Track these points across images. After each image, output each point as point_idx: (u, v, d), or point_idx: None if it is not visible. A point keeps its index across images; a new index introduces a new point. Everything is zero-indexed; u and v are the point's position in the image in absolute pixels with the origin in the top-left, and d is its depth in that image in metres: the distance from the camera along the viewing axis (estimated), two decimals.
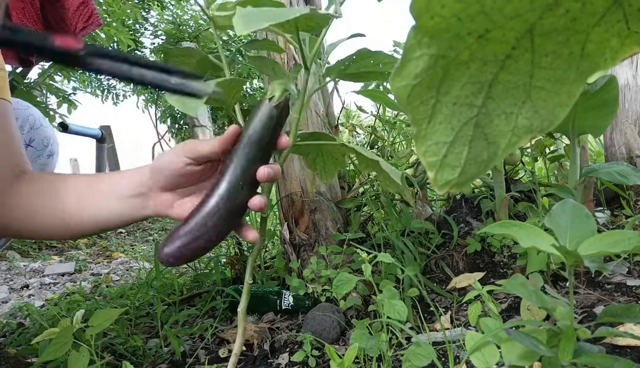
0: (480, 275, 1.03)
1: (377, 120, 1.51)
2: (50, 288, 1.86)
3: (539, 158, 1.24)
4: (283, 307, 1.04)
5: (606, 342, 0.67)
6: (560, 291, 0.90)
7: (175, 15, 4.16)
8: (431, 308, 0.91)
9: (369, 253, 0.76)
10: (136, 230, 3.59)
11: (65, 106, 2.84)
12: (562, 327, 0.47)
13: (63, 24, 1.51)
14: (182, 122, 4.87)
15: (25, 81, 2.41)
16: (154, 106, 4.85)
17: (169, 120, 4.80)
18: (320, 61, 0.73)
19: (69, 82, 3.03)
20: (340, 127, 1.47)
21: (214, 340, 0.97)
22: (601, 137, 1.58)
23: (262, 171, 0.54)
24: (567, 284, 0.91)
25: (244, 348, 0.91)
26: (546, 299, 0.51)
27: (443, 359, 0.74)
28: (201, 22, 4.14)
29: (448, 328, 0.85)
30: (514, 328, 0.52)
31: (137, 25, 4.09)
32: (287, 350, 0.89)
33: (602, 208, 1.23)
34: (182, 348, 0.91)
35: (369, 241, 1.13)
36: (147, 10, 3.92)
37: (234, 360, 0.60)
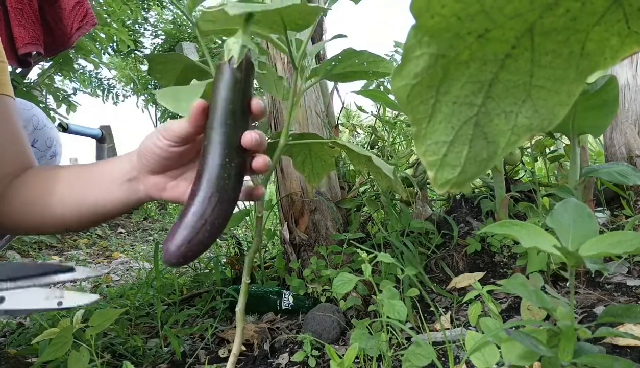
0: (480, 275, 1.03)
1: (377, 120, 1.51)
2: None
3: (539, 158, 1.24)
4: (283, 307, 1.04)
5: (606, 342, 0.67)
6: (560, 291, 0.90)
7: (175, 16, 4.16)
8: (431, 308, 0.91)
9: (369, 253, 0.76)
10: (136, 230, 3.60)
11: (65, 106, 2.84)
12: (562, 326, 0.47)
13: (61, 24, 1.51)
14: None
15: (25, 81, 2.41)
16: (154, 106, 4.86)
17: (168, 120, 4.81)
18: (306, 62, 0.73)
19: (70, 82, 3.03)
20: (341, 127, 1.47)
21: (214, 340, 0.97)
22: (601, 137, 1.58)
23: (248, 137, 0.50)
24: (567, 284, 0.91)
25: (244, 348, 0.91)
26: (546, 299, 0.51)
27: (443, 359, 0.74)
28: None
29: (448, 328, 0.85)
30: (514, 328, 0.52)
31: (137, 26, 4.10)
32: (287, 350, 0.89)
33: (602, 208, 1.23)
34: (182, 348, 0.91)
35: (369, 241, 1.13)
36: (146, 10, 3.92)
37: (233, 360, 0.60)
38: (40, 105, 2.54)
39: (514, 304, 0.90)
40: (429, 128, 0.23)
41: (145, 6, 3.88)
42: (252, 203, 1.47)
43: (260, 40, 1.02)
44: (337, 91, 1.46)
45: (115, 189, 0.60)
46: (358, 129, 1.71)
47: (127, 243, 2.98)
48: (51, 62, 2.49)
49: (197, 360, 0.90)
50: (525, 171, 1.33)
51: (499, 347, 0.52)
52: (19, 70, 2.18)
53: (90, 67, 3.17)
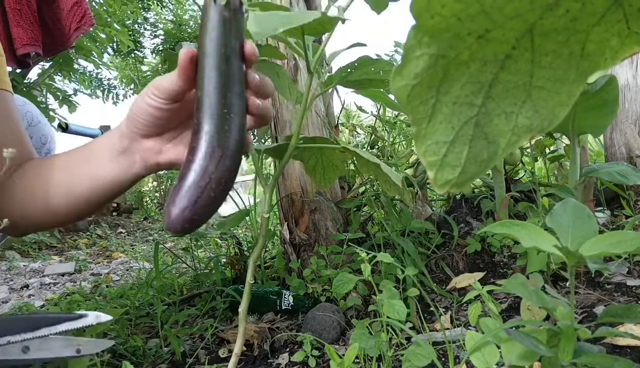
0: (480, 275, 1.03)
1: (377, 120, 1.51)
2: (50, 288, 1.86)
3: (539, 158, 1.24)
4: (283, 307, 1.04)
5: (606, 342, 0.67)
6: (560, 291, 0.90)
7: (175, 15, 4.17)
8: (431, 308, 0.91)
9: (368, 253, 0.76)
10: (136, 230, 3.60)
11: (65, 106, 2.84)
12: (562, 326, 0.47)
13: (59, 24, 1.51)
14: None
15: (25, 81, 2.41)
16: None
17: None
18: (321, 67, 0.73)
19: (69, 82, 3.03)
20: (340, 128, 1.47)
21: (214, 340, 0.97)
22: (601, 137, 1.58)
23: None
24: (567, 284, 0.91)
25: (244, 348, 0.91)
26: (546, 299, 0.51)
27: (443, 359, 0.74)
28: None
29: (448, 328, 0.85)
30: (514, 328, 0.52)
31: (137, 26, 4.10)
32: (287, 350, 0.89)
33: (602, 208, 1.23)
34: (182, 348, 0.91)
35: (369, 241, 1.14)
36: (146, 10, 3.92)
37: (234, 360, 0.60)
38: (41, 105, 2.54)
39: (514, 304, 0.90)
40: (429, 128, 0.23)
41: (145, 6, 3.88)
42: (252, 203, 1.47)
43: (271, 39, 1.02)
44: (337, 91, 1.46)
45: (108, 164, 0.57)
46: (358, 129, 1.71)
47: (127, 243, 2.99)
48: (51, 63, 2.49)
49: (197, 360, 0.90)
50: (525, 171, 1.33)
51: (499, 347, 0.53)
52: (18, 70, 2.18)
53: (90, 67, 3.17)
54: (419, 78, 0.22)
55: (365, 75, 0.69)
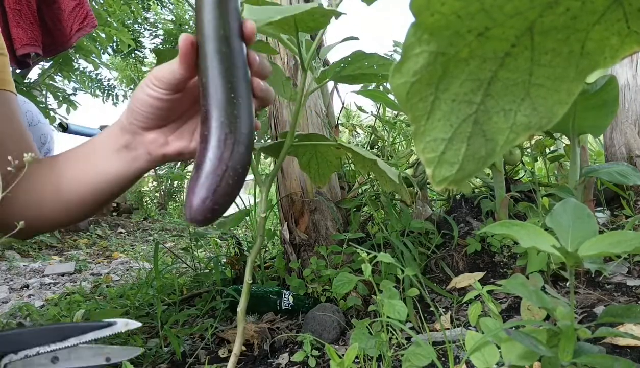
0: (480, 275, 1.03)
1: (377, 120, 1.51)
2: (50, 288, 1.86)
3: (539, 158, 1.24)
4: (283, 307, 1.04)
5: (606, 342, 0.67)
6: (560, 291, 0.90)
7: (175, 15, 4.17)
8: (431, 308, 0.91)
9: (369, 253, 0.76)
10: (136, 230, 3.60)
11: (64, 106, 2.84)
12: (562, 327, 0.47)
13: (60, 25, 1.51)
14: None
15: (25, 81, 2.41)
16: None
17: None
18: (315, 63, 0.73)
19: (69, 82, 3.03)
20: (340, 127, 1.47)
21: (214, 340, 0.97)
22: (601, 137, 1.58)
23: (257, 83, 0.45)
24: (567, 284, 0.91)
25: (244, 348, 0.91)
26: (546, 299, 0.51)
27: (443, 359, 0.74)
28: None
29: (448, 328, 0.85)
30: (514, 328, 0.52)
31: (137, 25, 4.10)
32: (287, 350, 0.89)
33: (602, 208, 1.22)
34: (182, 348, 0.91)
35: (369, 241, 1.13)
36: (146, 9, 3.92)
37: (233, 360, 0.60)
38: (41, 105, 2.55)
39: (514, 304, 0.90)
40: (427, 125, 0.23)
41: (146, 6, 3.88)
42: (252, 203, 1.47)
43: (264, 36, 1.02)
44: (337, 90, 1.46)
45: (111, 160, 0.55)
46: (358, 129, 1.71)
47: (127, 243, 2.99)
48: (51, 62, 2.49)
49: (197, 360, 0.90)
50: (525, 171, 1.33)
51: (499, 347, 0.52)
52: (18, 70, 2.18)
53: (90, 67, 3.17)
54: (418, 75, 0.22)
55: (358, 70, 0.69)
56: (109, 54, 4.15)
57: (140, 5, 3.53)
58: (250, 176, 0.61)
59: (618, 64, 1.34)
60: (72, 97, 2.86)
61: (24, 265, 2.22)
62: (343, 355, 0.61)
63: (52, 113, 2.69)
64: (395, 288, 0.77)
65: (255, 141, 0.61)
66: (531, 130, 0.23)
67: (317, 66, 0.72)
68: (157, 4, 4.00)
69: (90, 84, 3.54)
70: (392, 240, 1.06)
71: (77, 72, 3.13)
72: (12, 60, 1.45)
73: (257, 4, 0.55)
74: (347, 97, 6.90)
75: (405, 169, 1.42)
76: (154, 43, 4.41)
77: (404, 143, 1.53)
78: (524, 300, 0.72)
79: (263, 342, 0.91)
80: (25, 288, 1.84)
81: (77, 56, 2.59)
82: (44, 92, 2.70)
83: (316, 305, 0.98)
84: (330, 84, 1.41)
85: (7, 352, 0.50)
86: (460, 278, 1.04)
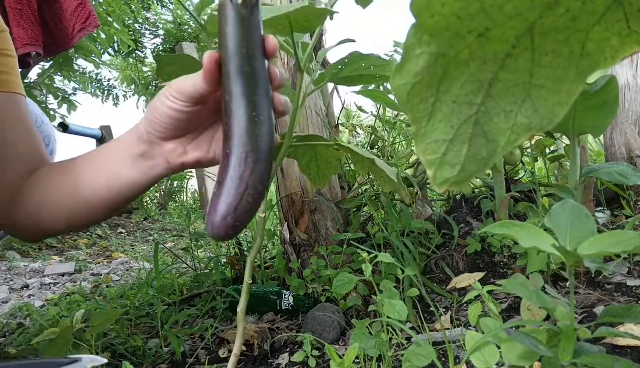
0: (480, 275, 1.03)
1: (377, 120, 1.51)
2: (50, 288, 1.86)
3: (539, 158, 1.24)
4: (283, 307, 1.04)
5: (606, 342, 0.67)
6: (560, 291, 0.90)
7: (175, 15, 4.16)
8: (431, 308, 0.91)
9: (369, 253, 0.76)
10: (136, 230, 3.60)
11: (65, 106, 2.84)
12: (562, 326, 0.47)
13: (61, 25, 1.51)
14: None
15: (25, 81, 2.41)
16: None
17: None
18: (312, 64, 0.73)
19: (69, 82, 3.03)
20: (340, 127, 1.47)
21: (214, 340, 0.97)
22: (601, 137, 1.58)
23: (278, 98, 0.46)
24: (567, 284, 0.91)
25: (244, 348, 0.91)
26: (546, 299, 0.51)
27: (443, 359, 0.74)
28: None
29: (448, 328, 0.85)
30: (514, 328, 0.52)
31: (138, 25, 4.10)
32: (287, 350, 0.89)
33: (602, 208, 1.22)
34: (182, 348, 0.91)
35: (369, 241, 1.13)
36: (146, 9, 3.92)
37: (233, 360, 0.60)
38: (41, 105, 2.55)
39: (514, 304, 0.90)
40: (428, 127, 0.23)
41: (146, 6, 3.88)
42: None
43: None
44: (337, 91, 1.46)
45: (128, 167, 0.55)
46: (358, 129, 1.71)
47: (127, 243, 2.99)
48: (51, 62, 2.49)
49: (197, 360, 0.90)
50: (525, 171, 1.33)
51: (499, 347, 0.52)
52: (19, 70, 2.18)
53: (90, 67, 3.17)
54: (418, 77, 0.22)
55: (356, 71, 0.69)
56: (110, 55, 4.15)
57: (140, 5, 3.53)
58: None
59: (618, 64, 1.34)
60: (72, 97, 2.86)
61: (24, 265, 2.22)
62: (343, 355, 0.62)
63: (52, 113, 2.69)
64: (395, 288, 0.77)
65: None
66: (532, 131, 0.23)
67: (316, 67, 0.72)
68: (157, 4, 4.00)
69: (90, 84, 3.54)
70: (392, 240, 1.06)
71: (78, 72, 3.13)
72: None
73: None
74: (347, 97, 6.90)
75: (405, 169, 1.42)
76: (154, 43, 4.41)
77: (404, 143, 1.53)
78: (524, 300, 0.72)
79: (263, 342, 0.91)
80: (25, 288, 1.84)
81: (77, 55, 2.59)
82: (44, 92, 2.70)
83: (316, 305, 0.99)
84: (330, 84, 1.41)
85: None
86: (460, 278, 1.04)
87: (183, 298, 1.22)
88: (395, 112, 1.56)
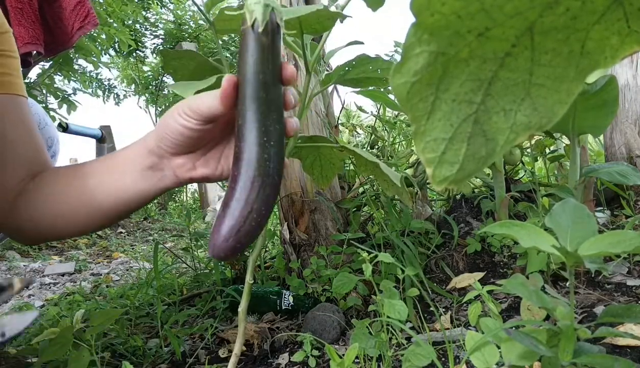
0: (480, 275, 1.03)
1: (377, 120, 1.51)
2: (50, 288, 1.86)
3: (539, 158, 1.24)
4: (283, 307, 1.04)
5: (606, 342, 0.67)
6: (560, 291, 0.90)
7: (175, 15, 4.17)
8: (431, 308, 0.91)
9: (369, 253, 0.76)
10: (136, 230, 3.60)
11: (64, 106, 2.84)
12: (562, 326, 0.47)
13: (61, 23, 1.51)
14: None
15: (25, 81, 2.41)
16: (154, 106, 4.86)
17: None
18: (320, 67, 0.73)
19: (69, 82, 3.03)
20: (340, 127, 1.47)
21: (214, 340, 0.97)
22: (601, 137, 1.58)
23: (290, 124, 0.47)
24: (567, 284, 0.91)
25: (244, 348, 0.91)
26: (546, 299, 0.51)
27: (443, 359, 0.74)
28: (201, 22, 4.14)
29: (448, 328, 0.85)
30: (514, 328, 0.52)
31: (138, 25, 4.10)
32: (287, 350, 0.89)
33: (602, 208, 1.22)
34: (182, 348, 0.91)
35: (369, 241, 1.13)
36: (146, 9, 3.92)
37: (234, 360, 0.60)
38: (41, 105, 2.55)
39: (514, 304, 0.90)
40: (428, 125, 0.23)
41: (145, 5, 3.88)
42: None
43: None
44: (337, 91, 1.46)
45: (135, 178, 0.56)
46: (358, 129, 1.71)
47: (127, 243, 2.99)
48: (51, 62, 2.49)
49: (197, 360, 0.90)
50: (525, 171, 1.33)
51: (499, 347, 0.52)
52: (21, 71, 2.17)
53: (90, 67, 3.17)
54: (418, 75, 0.22)
55: (363, 73, 0.69)
56: (110, 55, 4.16)
57: (140, 5, 3.53)
58: None
59: (618, 64, 1.34)
60: (72, 98, 2.86)
61: (24, 265, 2.22)
62: (343, 355, 0.62)
63: (52, 113, 2.69)
64: (395, 288, 0.77)
65: None
66: (531, 130, 0.23)
67: (322, 68, 0.72)
68: (157, 4, 4.00)
69: (90, 84, 3.54)
70: (392, 240, 1.06)
71: (78, 73, 3.13)
72: None
73: None
74: (347, 97, 6.90)
75: (405, 169, 1.42)
76: (154, 43, 4.41)
77: (404, 142, 1.53)
78: (524, 300, 0.72)
79: (263, 342, 0.91)
80: (25, 288, 1.84)
81: (77, 55, 2.59)
82: (44, 92, 2.70)
83: (316, 305, 0.99)
84: (331, 86, 1.41)
85: None
86: (460, 278, 1.04)
87: (183, 298, 1.21)
88: (395, 112, 1.56)
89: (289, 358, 0.85)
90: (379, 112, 1.54)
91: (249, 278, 0.62)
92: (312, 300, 1.05)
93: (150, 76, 4.70)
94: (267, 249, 1.47)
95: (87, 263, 2.25)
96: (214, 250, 0.44)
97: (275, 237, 1.45)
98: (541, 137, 1.17)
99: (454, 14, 0.21)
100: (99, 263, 2.36)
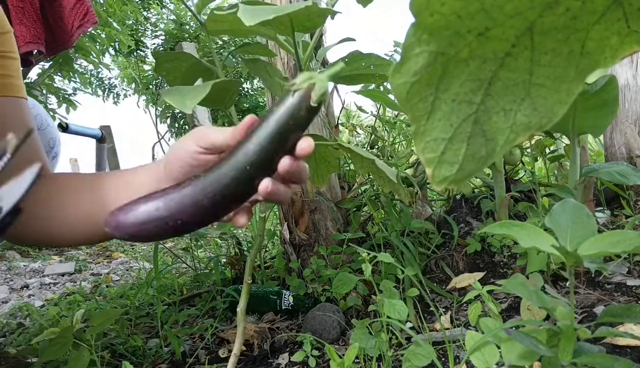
0: (480, 275, 1.03)
1: (377, 120, 1.51)
2: (50, 288, 1.86)
3: (539, 158, 1.24)
4: (283, 307, 1.04)
5: (606, 342, 0.67)
6: (560, 291, 0.90)
7: (176, 15, 4.17)
8: (431, 308, 0.91)
9: (369, 253, 0.76)
10: None
11: (64, 106, 2.84)
12: (562, 326, 0.47)
13: (61, 22, 1.51)
14: (182, 122, 4.87)
15: (25, 80, 2.41)
16: (154, 106, 4.87)
17: (168, 120, 4.80)
18: (312, 64, 0.73)
19: (69, 82, 3.03)
20: (340, 127, 1.47)
21: (214, 340, 0.97)
22: (601, 137, 1.58)
23: (284, 163, 0.45)
24: (567, 284, 0.91)
25: (244, 348, 0.91)
26: (546, 299, 0.51)
27: (443, 359, 0.74)
28: None
29: (448, 328, 0.85)
30: (514, 328, 0.52)
31: (138, 25, 4.10)
32: (287, 350, 0.89)
33: (602, 208, 1.22)
34: (182, 348, 0.91)
35: (369, 241, 1.13)
36: (146, 9, 3.92)
37: (233, 360, 0.60)
38: (41, 105, 2.54)
39: (514, 304, 0.90)
40: (427, 125, 0.23)
41: (146, 5, 3.88)
42: None
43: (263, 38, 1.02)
44: (337, 91, 1.46)
45: None
46: (358, 129, 1.71)
47: (127, 243, 2.98)
48: (51, 62, 2.49)
49: (197, 360, 0.90)
50: (525, 171, 1.33)
51: (499, 347, 0.52)
52: (21, 73, 2.17)
53: (91, 67, 3.17)
54: (418, 75, 0.22)
55: (355, 70, 0.69)
56: (110, 55, 4.16)
57: (140, 5, 3.53)
58: None
59: (618, 64, 1.34)
60: (72, 97, 2.86)
61: (24, 265, 2.22)
62: (343, 355, 0.62)
63: (51, 113, 2.69)
64: (395, 288, 0.77)
65: None
66: (531, 130, 0.23)
67: (316, 66, 0.72)
68: (158, 4, 4.00)
69: (90, 84, 3.54)
70: (392, 240, 1.06)
71: (78, 72, 3.13)
72: None
73: (253, 4, 0.55)
74: (347, 97, 6.89)
75: (405, 169, 1.42)
76: (154, 43, 4.41)
77: (404, 142, 1.53)
78: (524, 300, 0.72)
79: (263, 342, 0.91)
80: (25, 288, 1.84)
81: (77, 55, 2.59)
82: (44, 92, 2.70)
83: (316, 305, 0.98)
84: (330, 84, 1.41)
85: None
86: (460, 278, 1.04)
87: (183, 298, 1.21)
88: (395, 112, 1.56)
89: (289, 358, 0.85)
90: (378, 112, 1.54)
91: (247, 278, 0.62)
92: (312, 300, 1.05)
93: (151, 76, 4.70)
94: (267, 249, 1.47)
95: (87, 263, 2.25)
96: (110, 224, 0.45)
97: (275, 237, 1.45)
98: (541, 137, 1.17)
99: (453, 14, 0.21)
100: (99, 263, 2.36)
